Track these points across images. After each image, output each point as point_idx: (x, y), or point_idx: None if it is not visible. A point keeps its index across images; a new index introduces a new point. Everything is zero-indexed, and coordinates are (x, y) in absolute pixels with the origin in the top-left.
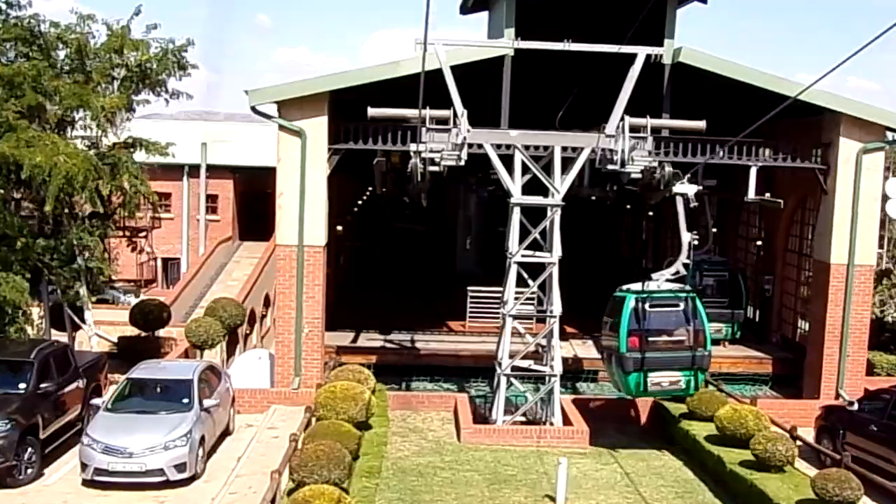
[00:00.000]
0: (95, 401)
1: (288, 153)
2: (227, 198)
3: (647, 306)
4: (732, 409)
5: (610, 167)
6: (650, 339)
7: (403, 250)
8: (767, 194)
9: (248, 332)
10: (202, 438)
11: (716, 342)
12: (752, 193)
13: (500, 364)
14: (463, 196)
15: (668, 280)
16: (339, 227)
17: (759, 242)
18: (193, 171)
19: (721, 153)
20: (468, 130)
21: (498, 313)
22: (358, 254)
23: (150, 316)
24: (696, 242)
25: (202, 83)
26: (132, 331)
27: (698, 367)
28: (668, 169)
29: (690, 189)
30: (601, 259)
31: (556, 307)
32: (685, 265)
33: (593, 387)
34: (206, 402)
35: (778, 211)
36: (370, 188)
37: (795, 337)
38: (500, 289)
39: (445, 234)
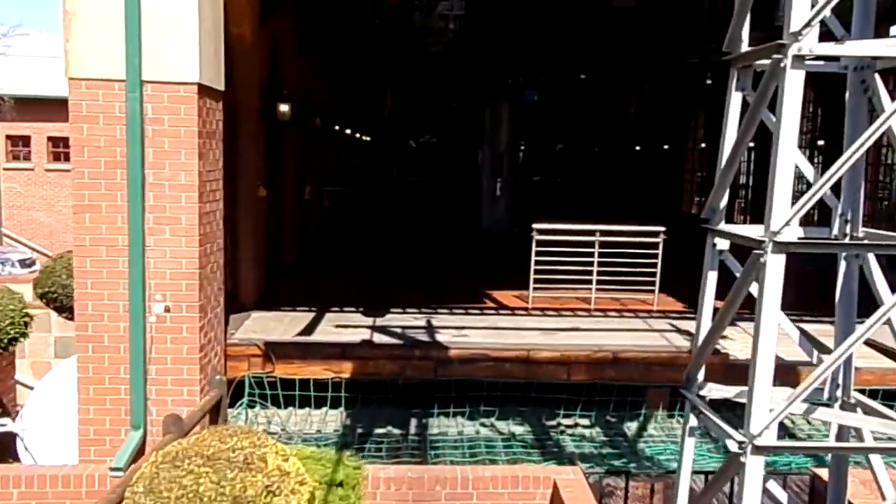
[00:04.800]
0: None
1: None
2: None
3: None
4: None
5: None
6: None
7: (410, 200)
8: None
9: None
10: None
11: None
12: None
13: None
14: (491, 117)
15: None
16: (286, 108)
17: None
18: None
19: None
20: None
21: (587, 269)
22: (346, 202)
23: None
24: None
25: None
26: None
27: None
28: None
29: None
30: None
31: None
32: None
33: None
34: None
35: None
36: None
37: None
38: (594, 227)
39: (464, 182)
